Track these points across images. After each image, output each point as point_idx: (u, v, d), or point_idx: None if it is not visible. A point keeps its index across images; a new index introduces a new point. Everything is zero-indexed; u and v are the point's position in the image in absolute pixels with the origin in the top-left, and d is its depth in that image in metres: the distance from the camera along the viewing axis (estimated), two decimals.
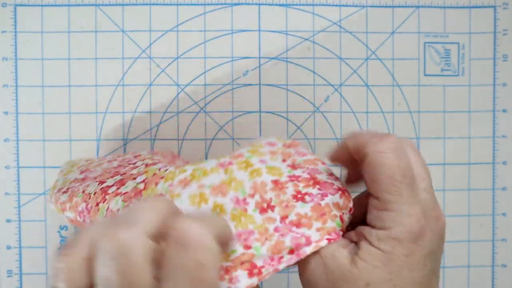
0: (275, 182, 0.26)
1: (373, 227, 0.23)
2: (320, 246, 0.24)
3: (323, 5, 0.43)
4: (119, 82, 0.43)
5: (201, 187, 0.26)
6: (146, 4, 0.43)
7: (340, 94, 0.43)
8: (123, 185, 0.28)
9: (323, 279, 0.23)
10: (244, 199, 0.26)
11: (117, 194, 0.27)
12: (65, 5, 0.42)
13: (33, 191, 0.42)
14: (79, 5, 0.42)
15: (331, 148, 0.28)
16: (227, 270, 0.24)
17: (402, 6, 0.43)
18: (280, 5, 0.43)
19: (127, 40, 0.43)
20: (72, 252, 0.20)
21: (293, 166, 0.28)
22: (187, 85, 0.43)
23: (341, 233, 0.26)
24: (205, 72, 0.43)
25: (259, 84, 0.43)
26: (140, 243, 0.19)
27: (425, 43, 0.43)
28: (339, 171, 0.31)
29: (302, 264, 0.25)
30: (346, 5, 0.43)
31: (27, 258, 0.42)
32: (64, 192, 0.31)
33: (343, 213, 0.26)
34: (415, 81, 0.43)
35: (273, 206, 0.26)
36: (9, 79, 0.42)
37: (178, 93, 0.43)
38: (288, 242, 0.25)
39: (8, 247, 0.42)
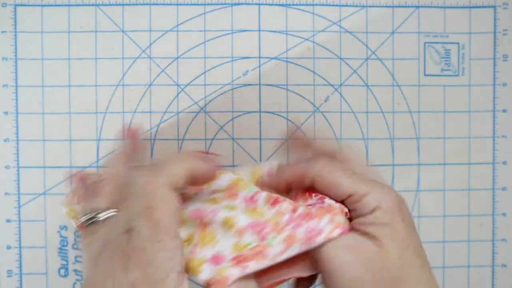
0: None
1: (364, 216, 0.26)
2: (333, 237, 0.25)
3: (323, 5, 0.43)
4: (119, 82, 0.43)
5: (213, 192, 0.28)
6: (146, 4, 0.43)
7: (340, 94, 0.43)
8: None
9: (353, 269, 0.25)
10: (252, 197, 0.27)
11: None
12: (65, 5, 0.42)
13: (33, 191, 0.42)
14: (79, 5, 0.42)
15: (265, 180, 0.30)
16: (244, 258, 0.25)
17: (402, 6, 0.43)
18: (280, 5, 0.43)
19: (127, 40, 0.43)
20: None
21: None
22: (187, 85, 0.43)
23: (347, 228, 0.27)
24: (205, 72, 0.43)
25: (259, 84, 0.43)
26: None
27: (425, 43, 0.44)
28: None
29: (325, 263, 0.25)
30: (346, 5, 0.43)
31: (27, 258, 0.42)
32: None
33: (345, 212, 0.27)
34: (415, 81, 0.43)
35: (283, 200, 0.27)
36: (9, 79, 0.42)
37: (178, 93, 0.43)
38: (301, 234, 0.25)
39: (8, 247, 0.42)
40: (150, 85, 0.43)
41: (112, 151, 0.29)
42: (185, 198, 0.28)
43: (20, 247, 0.42)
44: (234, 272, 0.24)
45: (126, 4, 0.43)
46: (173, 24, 0.43)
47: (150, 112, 0.43)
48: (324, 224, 0.26)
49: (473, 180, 0.44)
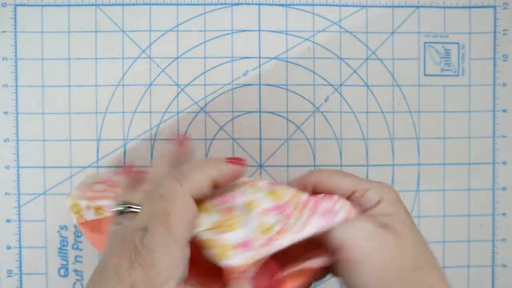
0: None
1: (370, 209, 0.27)
2: (350, 218, 0.26)
3: (323, 5, 0.43)
4: (119, 82, 0.43)
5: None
6: (146, 4, 0.43)
7: (340, 94, 0.43)
8: None
9: (379, 257, 0.25)
10: (274, 183, 0.28)
11: None
12: (65, 5, 0.42)
13: (33, 191, 0.42)
14: (79, 5, 0.42)
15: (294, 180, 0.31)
16: (270, 239, 0.25)
17: (402, 6, 0.43)
18: (280, 5, 0.43)
19: (127, 40, 0.43)
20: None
21: None
22: (187, 85, 0.43)
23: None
24: (205, 72, 0.43)
25: (259, 84, 0.43)
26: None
27: (425, 43, 0.44)
28: None
29: (350, 252, 0.26)
30: (346, 5, 0.43)
31: (27, 258, 0.42)
32: (102, 183, 0.33)
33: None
34: (415, 81, 0.43)
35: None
36: (9, 79, 0.42)
37: (178, 93, 0.43)
38: (320, 211, 0.27)
39: (8, 247, 0.42)
40: (150, 85, 0.43)
41: (164, 152, 0.30)
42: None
43: (20, 247, 0.42)
44: (262, 254, 0.25)
45: (126, 4, 0.43)
46: (173, 24, 0.43)
47: (150, 112, 0.43)
48: (339, 207, 0.27)
49: (473, 180, 0.44)
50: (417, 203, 0.43)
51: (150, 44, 0.43)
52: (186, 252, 0.23)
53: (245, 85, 0.43)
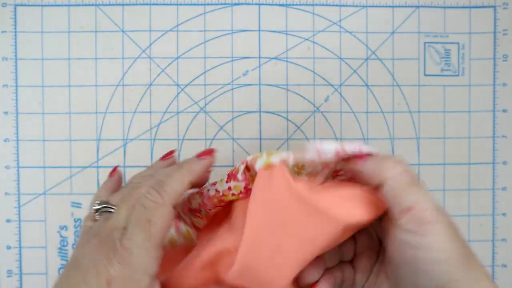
0: None
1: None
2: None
3: (323, 5, 0.43)
4: (119, 82, 0.43)
5: None
6: (146, 4, 0.43)
7: (340, 94, 0.43)
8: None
9: (443, 219, 0.26)
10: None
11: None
12: (65, 5, 0.42)
13: (33, 191, 0.42)
14: (79, 5, 0.42)
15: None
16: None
17: (402, 6, 0.43)
18: (280, 5, 0.43)
19: (127, 40, 0.43)
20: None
21: None
22: (187, 85, 0.43)
23: None
24: (205, 72, 0.43)
25: (259, 84, 0.43)
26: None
27: (425, 43, 0.43)
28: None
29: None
30: (346, 5, 0.43)
31: (27, 258, 0.42)
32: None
33: None
34: (415, 81, 0.43)
35: None
36: (9, 79, 0.42)
37: (178, 93, 0.43)
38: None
39: (8, 247, 0.42)
40: (150, 85, 0.43)
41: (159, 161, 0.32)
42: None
43: (20, 247, 0.42)
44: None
45: (126, 4, 0.43)
46: (173, 24, 0.43)
47: (150, 112, 0.43)
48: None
49: (473, 180, 0.44)
50: None
51: (150, 44, 0.43)
52: (160, 253, 0.26)
53: (245, 85, 0.43)
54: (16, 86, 0.42)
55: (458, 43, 0.44)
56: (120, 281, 0.24)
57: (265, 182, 0.26)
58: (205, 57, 0.43)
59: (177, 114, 0.43)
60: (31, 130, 0.42)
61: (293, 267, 0.26)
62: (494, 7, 0.44)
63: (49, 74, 0.42)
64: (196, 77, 0.43)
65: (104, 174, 0.42)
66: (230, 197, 0.29)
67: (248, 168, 0.28)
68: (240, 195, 0.28)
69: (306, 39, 0.43)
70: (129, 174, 0.42)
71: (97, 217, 0.28)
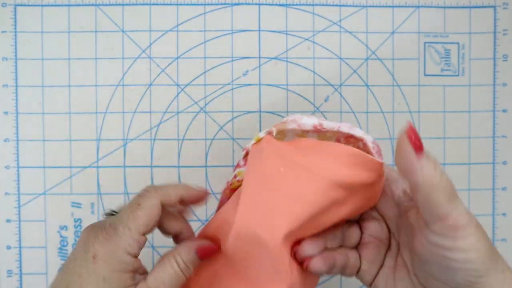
0: None
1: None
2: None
3: (323, 5, 0.43)
4: (119, 82, 0.43)
5: None
6: (146, 4, 0.43)
7: (340, 94, 0.43)
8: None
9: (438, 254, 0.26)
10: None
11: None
12: (65, 5, 0.42)
13: (33, 191, 0.42)
14: (79, 5, 0.42)
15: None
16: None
17: (402, 6, 0.43)
18: (280, 5, 0.43)
19: (127, 40, 0.43)
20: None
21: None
22: (187, 85, 0.43)
23: None
24: (205, 72, 0.43)
25: (259, 84, 0.43)
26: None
27: (425, 43, 0.44)
28: None
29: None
30: (346, 5, 0.43)
31: (27, 258, 0.42)
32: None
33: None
34: (415, 81, 0.43)
35: None
36: (9, 79, 0.42)
37: (178, 93, 0.43)
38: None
39: (8, 247, 0.42)
40: (150, 85, 0.43)
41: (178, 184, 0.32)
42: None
43: (20, 247, 0.42)
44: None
45: (126, 4, 0.43)
46: (173, 24, 0.43)
47: (150, 112, 0.43)
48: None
49: (473, 180, 0.44)
50: None
51: (150, 44, 0.43)
52: (142, 240, 0.28)
53: (245, 85, 0.43)
54: (16, 86, 0.42)
55: (458, 43, 0.44)
56: (104, 256, 0.27)
57: (256, 152, 0.29)
58: (205, 57, 0.43)
59: (177, 114, 0.43)
60: (31, 130, 0.42)
61: (287, 224, 0.27)
62: (494, 7, 0.44)
63: (49, 74, 0.42)
64: (196, 77, 0.43)
65: (104, 174, 0.42)
66: (237, 184, 0.30)
67: (246, 157, 0.30)
68: None
69: (306, 39, 0.43)
70: (129, 174, 0.42)
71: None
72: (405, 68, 0.43)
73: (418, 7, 0.43)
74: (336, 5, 0.43)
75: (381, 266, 0.31)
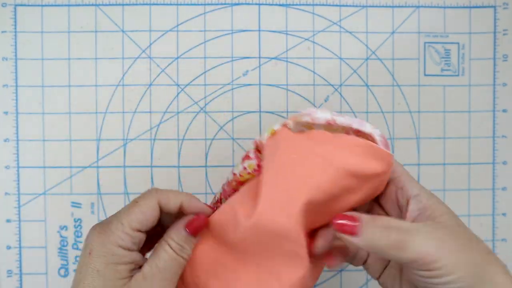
0: None
1: (413, 198, 0.30)
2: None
3: (323, 5, 0.43)
4: (119, 82, 0.43)
5: None
6: (146, 4, 0.43)
7: (340, 94, 0.43)
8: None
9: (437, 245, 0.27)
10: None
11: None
12: (65, 5, 0.42)
13: (33, 191, 0.42)
14: (79, 5, 0.42)
15: None
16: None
17: (402, 6, 0.43)
18: (280, 5, 0.43)
19: (127, 40, 0.43)
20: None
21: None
22: (187, 85, 0.43)
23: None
24: (205, 72, 0.43)
25: (259, 84, 0.43)
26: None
27: (425, 43, 0.44)
28: None
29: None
30: (346, 5, 0.43)
31: (27, 258, 0.42)
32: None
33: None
34: (415, 81, 0.43)
35: None
36: (9, 79, 0.42)
37: (178, 93, 0.43)
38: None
39: (8, 247, 0.42)
40: (150, 85, 0.43)
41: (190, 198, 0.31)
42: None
43: (20, 247, 0.42)
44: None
45: (126, 4, 0.43)
46: (173, 24, 0.43)
47: (150, 112, 0.43)
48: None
49: (473, 180, 0.44)
50: None
51: (150, 44, 0.43)
52: (135, 235, 0.29)
53: (245, 85, 0.43)
54: (16, 86, 0.42)
55: (458, 43, 0.44)
56: (97, 250, 0.28)
57: (272, 144, 0.30)
58: (205, 57, 0.43)
59: (177, 114, 0.43)
60: (31, 130, 0.42)
61: (303, 212, 0.28)
62: (494, 7, 0.44)
63: (49, 74, 0.42)
64: (196, 77, 0.43)
65: (104, 174, 0.42)
66: (246, 176, 0.31)
67: (257, 150, 0.31)
68: (255, 173, 0.31)
69: (306, 39, 0.43)
70: (129, 174, 0.42)
71: None
72: (405, 68, 0.43)
73: (418, 7, 0.43)
74: (336, 5, 0.43)
75: (387, 265, 0.32)
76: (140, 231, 0.29)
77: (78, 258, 0.30)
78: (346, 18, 0.43)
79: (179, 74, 0.43)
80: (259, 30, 0.43)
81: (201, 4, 0.43)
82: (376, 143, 0.29)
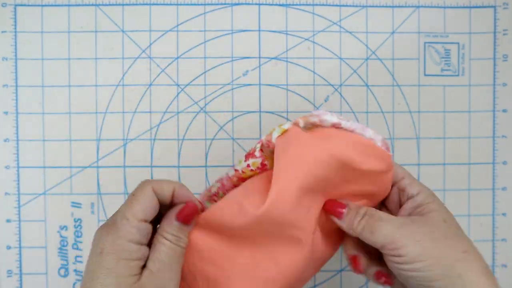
0: None
1: (411, 197, 0.33)
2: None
3: (323, 5, 0.43)
4: (119, 82, 0.43)
5: None
6: (146, 4, 0.43)
7: (340, 94, 0.43)
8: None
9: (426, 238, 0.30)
10: None
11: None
12: (65, 5, 0.42)
13: (33, 191, 0.42)
14: (79, 5, 0.42)
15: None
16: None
17: (402, 6, 0.43)
18: (280, 5, 0.43)
19: (127, 40, 0.43)
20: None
21: None
22: (187, 85, 0.43)
23: None
24: (205, 72, 0.43)
25: (259, 84, 0.43)
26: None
27: (425, 43, 0.44)
28: None
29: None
30: (346, 5, 0.43)
31: (27, 258, 0.42)
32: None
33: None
34: (415, 81, 0.44)
35: None
36: (9, 79, 0.42)
37: (178, 93, 0.43)
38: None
39: (8, 247, 0.42)
40: (150, 85, 0.43)
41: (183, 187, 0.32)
42: None
43: (20, 247, 0.42)
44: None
45: (126, 4, 0.43)
46: (173, 24, 0.43)
47: (150, 112, 0.43)
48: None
49: (473, 180, 0.44)
50: None
51: (150, 44, 0.43)
52: (142, 226, 0.29)
53: (245, 85, 0.43)
54: (16, 86, 0.42)
55: (458, 43, 0.44)
56: (109, 248, 0.28)
57: (284, 141, 0.31)
58: (205, 57, 0.43)
59: (177, 114, 0.43)
60: (31, 130, 0.42)
61: (300, 198, 0.30)
62: (494, 7, 0.44)
63: (49, 74, 0.42)
64: (196, 77, 0.43)
65: (104, 174, 0.42)
66: (249, 173, 0.33)
67: (261, 149, 0.32)
68: (258, 170, 0.32)
69: (306, 39, 0.43)
70: (129, 174, 0.42)
71: None
72: (405, 68, 0.43)
73: (418, 7, 0.43)
74: (336, 5, 0.43)
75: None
76: (145, 221, 0.29)
77: (87, 259, 0.29)
78: (346, 18, 0.43)
79: (179, 74, 0.43)
80: (259, 30, 0.43)
81: (201, 4, 0.43)
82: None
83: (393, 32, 0.43)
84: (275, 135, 0.32)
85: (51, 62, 0.42)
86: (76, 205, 0.42)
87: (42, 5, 0.42)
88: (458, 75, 0.44)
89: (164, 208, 0.31)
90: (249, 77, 0.43)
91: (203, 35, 0.43)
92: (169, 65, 0.43)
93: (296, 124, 0.32)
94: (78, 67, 0.42)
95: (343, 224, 0.32)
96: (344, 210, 0.32)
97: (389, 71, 0.43)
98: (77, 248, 0.42)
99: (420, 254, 0.29)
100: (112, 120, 0.43)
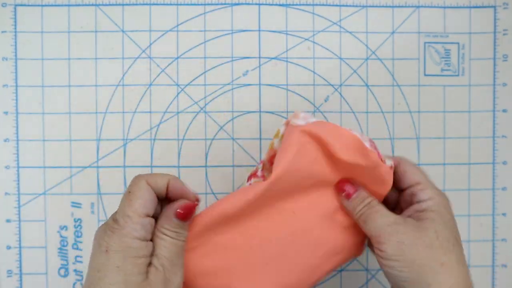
0: None
1: (420, 202, 0.33)
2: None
3: (323, 5, 0.43)
4: (119, 82, 0.43)
5: None
6: (146, 4, 0.43)
7: (340, 94, 0.43)
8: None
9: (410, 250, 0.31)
10: None
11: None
12: (65, 5, 0.42)
13: (33, 191, 0.42)
14: (79, 5, 0.42)
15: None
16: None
17: (402, 6, 0.43)
18: (280, 5, 0.43)
19: (127, 40, 0.43)
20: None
21: None
22: (187, 85, 0.43)
23: None
24: (205, 72, 0.43)
25: (259, 84, 0.43)
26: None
27: (425, 43, 0.44)
28: None
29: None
30: (346, 5, 0.43)
31: (27, 258, 0.42)
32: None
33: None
34: (415, 81, 0.44)
35: None
36: (9, 79, 0.42)
37: (178, 93, 0.43)
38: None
39: (8, 247, 0.42)
40: (150, 85, 0.43)
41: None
42: None
43: (20, 247, 0.42)
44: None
45: (126, 4, 0.43)
46: (173, 24, 0.43)
47: (150, 112, 0.43)
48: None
49: (473, 180, 0.44)
50: None
51: (150, 44, 0.43)
52: (145, 221, 0.30)
53: (245, 85, 0.43)
54: (16, 86, 0.42)
55: (458, 43, 0.44)
56: (114, 246, 0.28)
57: (282, 142, 0.33)
58: (205, 57, 0.43)
59: (177, 114, 0.43)
60: (31, 130, 0.42)
61: (318, 188, 0.33)
62: (494, 7, 0.44)
63: (49, 74, 0.42)
64: (196, 77, 0.43)
65: (104, 174, 0.42)
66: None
67: (263, 168, 0.34)
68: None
69: (306, 39, 0.43)
70: (129, 174, 0.42)
71: None
72: (405, 68, 0.43)
73: (418, 7, 0.43)
74: (336, 5, 0.43)
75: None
76: (147, 215, 0.30)
77: (90, 260, 0.29)
78: (346, 18, 0.43)
79: (179, 74, 0.43)
80: (259, 30, 0.43)
81: (201, 4, 0.43)
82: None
83: (393, 32, 0.43)
84: (276, 144, 0.33)
85: (51, 62, 0.42)
86: (76, 205, 0.42)
87: (42, 5, 0.42)
88: (458, 75, 0.44)
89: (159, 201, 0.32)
90: (249, 77, 0.43)
91: (203, 35, 0.43)
92: (169, 65, 0.43)
93: (287, 123, 0.33)
94: (78, 67, 0.42)
95: (349, 205, 0.33)
96: (354, 194, 0.33)
97: (389, 71, 0.43)
98: (77, 248, 0.42)
99: (396, 254, 0.31)
100: (112, 120, 0.43)
